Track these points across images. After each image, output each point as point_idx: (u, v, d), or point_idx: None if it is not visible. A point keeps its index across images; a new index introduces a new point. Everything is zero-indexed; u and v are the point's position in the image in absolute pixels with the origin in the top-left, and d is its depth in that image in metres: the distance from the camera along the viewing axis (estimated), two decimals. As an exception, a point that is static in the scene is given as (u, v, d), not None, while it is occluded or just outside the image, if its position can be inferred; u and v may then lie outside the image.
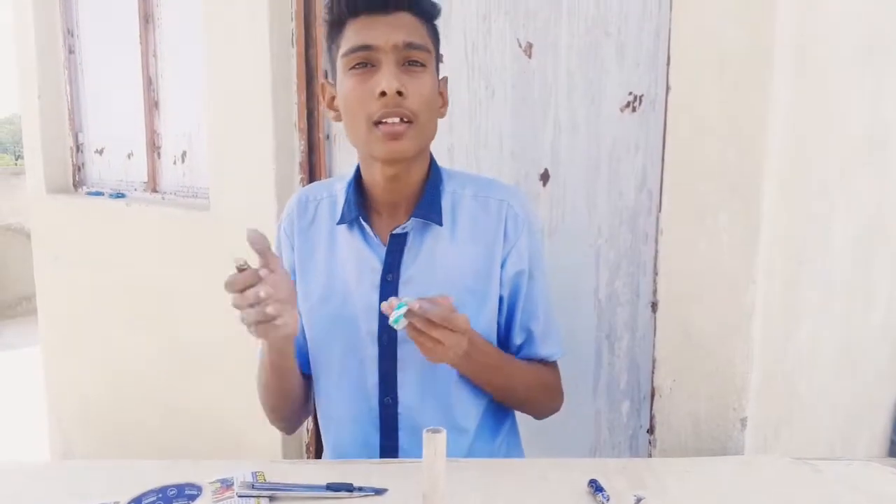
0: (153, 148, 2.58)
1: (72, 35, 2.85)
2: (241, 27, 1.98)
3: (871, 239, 1.60)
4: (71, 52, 2.86)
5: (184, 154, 2.48)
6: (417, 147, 0.97)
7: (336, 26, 0.96)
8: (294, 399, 1.08)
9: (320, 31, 1.87)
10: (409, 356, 1.00)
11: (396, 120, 0.92)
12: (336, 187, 1.08)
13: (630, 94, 1.35)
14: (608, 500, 0.88)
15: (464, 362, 0.96)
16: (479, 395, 1.05)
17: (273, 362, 1.00)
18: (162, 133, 2.56)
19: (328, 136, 1.93)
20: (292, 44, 1.93)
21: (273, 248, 1.06)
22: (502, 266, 1.02)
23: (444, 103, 1.02)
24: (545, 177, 1.48)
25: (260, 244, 0.87)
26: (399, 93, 0.91)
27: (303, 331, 1.07)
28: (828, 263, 1.40)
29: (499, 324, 1.06)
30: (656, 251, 1.30)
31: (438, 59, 1.01)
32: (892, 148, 1.63)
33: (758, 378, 1.14)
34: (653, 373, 1.25)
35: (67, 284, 2.87)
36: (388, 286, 1.00)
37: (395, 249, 1.01)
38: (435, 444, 0.76)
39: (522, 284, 1.04)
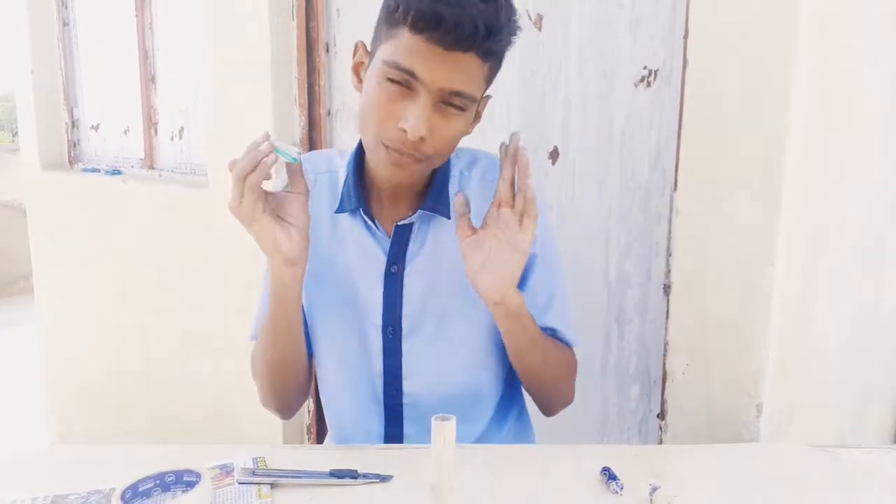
0: (150, 124, 2.53)
1: (66, 7, 2.79)
2: (240, -1, 1.93)
3: (885, 224, 1.57)
4: (65, 24, 2.79)
5: (181, 130, 2.43)
6: (423, 175, 0.91)
7: (393, 23, 0.82)
8: (297, 373, 1.01)
9: (321, 2, 1.82)
10: (414, 349, 0.97)
11: (408, 153, 0.85)
12: (336, 162, 1.01)
13: (644, 68, 1.30)
14: (622, 488, 0.86)
15: (510, 320, 0.90)
16: (483, 385, 1.02)
17: (278, 316, 0.93)
18: (159, 109, 2.51)
19: (329, 112, 1.88)
20: (292, 16, 1.87)
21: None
22: None
23: (477, 120, 0.93)
24: (554, 154, 1.44)
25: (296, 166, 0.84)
26: (422, 138, 0.82)
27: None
28: (844, 247, 1.37)
29: None
30: (670, 232, 1.26)
31: (486, 89, 0.90)
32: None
33: (774, 364, 1.11)
34: (665, 357, 1.22)
35: (64, 262, 2.84)
36: (393, 277, 0.96)
37: (400, 240, 0.96)
38: (444, 431, 0.73)
39: (533, 270, 0.98)
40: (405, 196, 0.96)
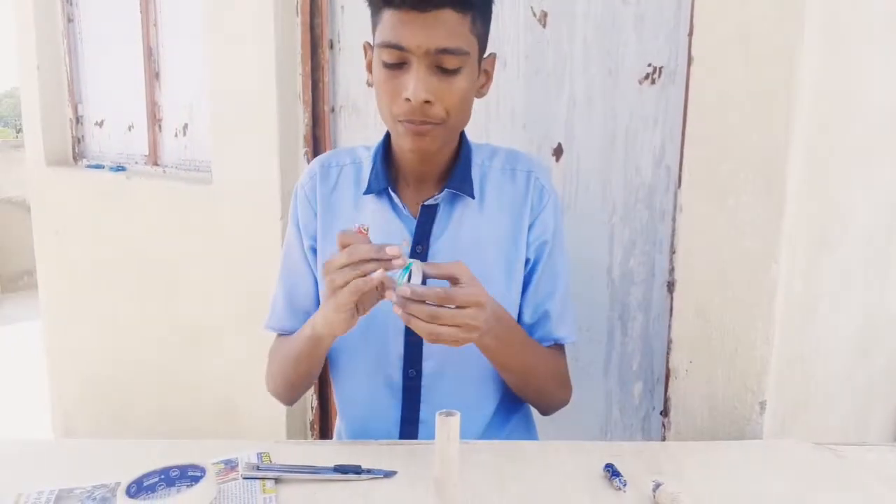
0: (154, 120, 2.53)
1: (71, 4, 2.79)
2: (245, -5, 1.93)
3: (890, 222, 1.56)
4: (70, 20, 2.80)
5: (185, 126, 2.43)
6: (444, 142, 0.95)
7: (374, 7, 0.91)
8: (315, 375, 1.06)
9: (326, -1, 1.82)
10: None
11: (421, 122, 0.90)
12: (360, 154, 1.05)
13: (649, 65, 1.30)
14: (625, 485, 0.86)
15: (487, 339, 0.89)
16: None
17: (309, 349, 0.97)
18: (163, 105, 2.51)
19: (333, 109, 1.88)
20: (297, 12, 1.87)
21: (290, 211, 1.06)
22: (528, 237, 1.01)
23: (487, 81, 0.99)
24: (558, 151, 1.44)
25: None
26: (426, 101, 0.88)
27: (317, 298, 1.04)
28: (848, 246, 1.36)
29: None
30: (674, 229, 1.26)
31: (484, 46, 0.95)
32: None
33: (778, 361, 1.11)
34: (668, 354, 1.22)
35: (68, 258, 2.85)
36: (418, 257, 0.97)
37: (426, 221, 0.99)
38: (448, 427, 0.73)
39: (543, 257, 1.02)
40: (430, 177, 1.01)
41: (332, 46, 1.85)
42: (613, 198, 1.37)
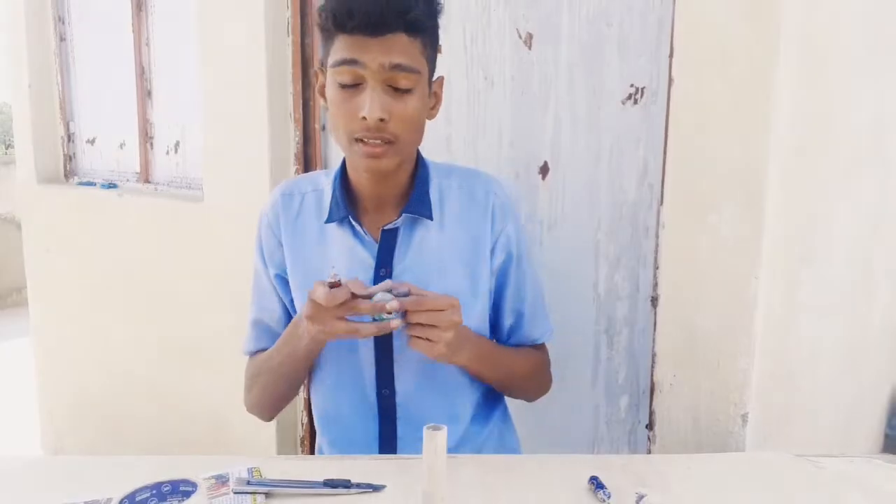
0: (146, 138, 2.55)
1: (63, 22, 2.81)
2: (236, 15, 1.95)
3: (871, 237, 1.59)
4: (62, 39, 2.81)
5: (177, 144, 2.45)
6: (399, 162, 0.97)
7: (326, 33, 0.94)
8: (294, 393, 1.11)
9: (315, 19, 1.84)
10: (405, 348, 1.00)
11: (377, 141, 0.92)
12: (321, 181, 1.07)
13: (632, 86, 1.33)
14: (609, 497, 0.87)
15: (461, 358, 0.98)
16: (474, 382, 1.07)
17: (291, 365, 1.03)
18: (155, 123, 2.53)
19: (324, 127, 1.91)
20: (287, 32, 1.90)
21: (255, 241, 1.09)
22: (491, 253, 1.03)
23: (437, 104, 1.02)
24: (545, 170, 1.46)
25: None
26: (381, 119, 0.90)
27: (287, 323, 1.07)
28: (829, 260, 1.39)
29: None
30: (657, 245, 1.28)
31: (433, 69, 0.98)
32: (895, 146, 1.62)
33: (759, 374, 1.13)
34: (653, 368, 1.24)
35: (59, 276, 2.84)
36: (382, 280, 0.99)
37: (387, 245, 1.01)
38: (435, 441, 0.75)
39: (511, 270, 1.06)
40: (389, 202, 1.02)
41: (321, 65, 1.87)
42: (599, 214, 1.40)
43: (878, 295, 1.68)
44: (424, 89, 0.96)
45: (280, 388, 1.07)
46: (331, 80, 0.94)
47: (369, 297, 0.89)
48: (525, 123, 1.48)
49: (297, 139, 1.93)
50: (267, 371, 1.06)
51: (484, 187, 1.04)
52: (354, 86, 0.91)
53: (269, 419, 1.13)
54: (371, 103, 0.89)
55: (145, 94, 2.52)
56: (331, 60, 0.92)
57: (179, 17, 2.33)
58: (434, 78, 1.00)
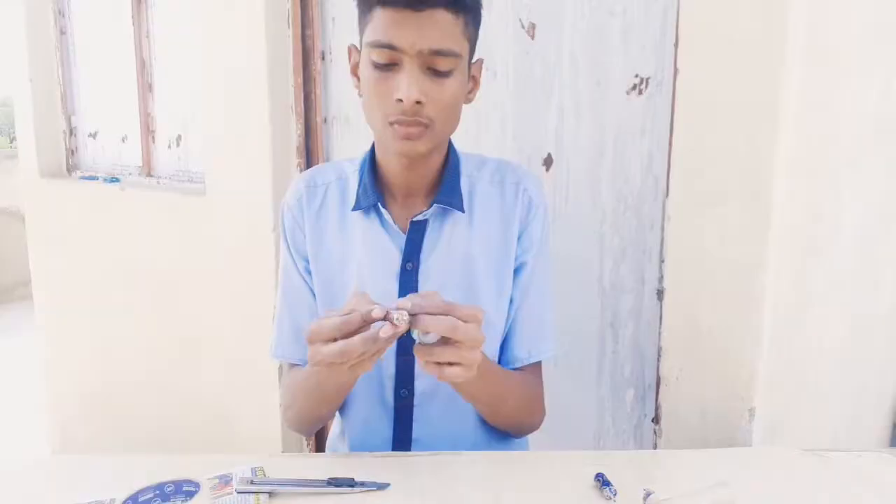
0: (147, 131, 2.54)
1: (63, 16, 2.80)
2: (236, 7, 1.94)
3: (877, 228, 1.58)
4: (62, 33, 2.80)
5: (179, 138, 2.44)
6: (433, 145, 0.92)
7: (364, 5, 0.88)
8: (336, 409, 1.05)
9: (316, 10, 1.83)
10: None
11: (412, 123, 0.88)
12: (346, 169, 1.03)
13: (636, 76, 1.31)
14: (615, 494, 0.87)
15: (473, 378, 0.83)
16: None
17: (336, 395, 0.96)
18: (156, 116, 2.52)
19: (325, 119, 1.90)
20: (288, 24, 1.89)
21: (280, 233, 1.03)
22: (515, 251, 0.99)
23: (475, 87, 0.96)
24: (548, 161, 1.45)
25: None
26: (418, 101, 0.86)
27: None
28: (836, 252, 1.38)
29: None
30: (662, 238, 1.27)
31: (473, 50, 0.93)
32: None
33: (766, 368, 1.12)
34: (658, 362, 1.24)
35: (62, 270, 2.85)
36: (408, 274, 0.96)
37: (415, 237, 0.97)
38: None
39: (524, 271, 1.00)
40: (418, 190, 0.98)
41: (323, 58, 1.86)
42: (603, 206, 1.39)
43: (885, 286, 1.67)
44: (464, 72, 0.90)
45: (320, 410, 1.00)
46: (365, 59, 0.89)
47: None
48: (528, 114, 1.46)
49: (298, 132, 1.92)
50: (303, 398, 0.99)
51: (515, 181, 0.99)
52: (390, 65, 0.86)
53: (309, 435, 1.09)
54: (409, 85, 0.84)
55: (146, 88, 2.51)
56: (366, 38, 0.87)
57: (180, 10, 2.32)
58: (473, 60, 0.94)
